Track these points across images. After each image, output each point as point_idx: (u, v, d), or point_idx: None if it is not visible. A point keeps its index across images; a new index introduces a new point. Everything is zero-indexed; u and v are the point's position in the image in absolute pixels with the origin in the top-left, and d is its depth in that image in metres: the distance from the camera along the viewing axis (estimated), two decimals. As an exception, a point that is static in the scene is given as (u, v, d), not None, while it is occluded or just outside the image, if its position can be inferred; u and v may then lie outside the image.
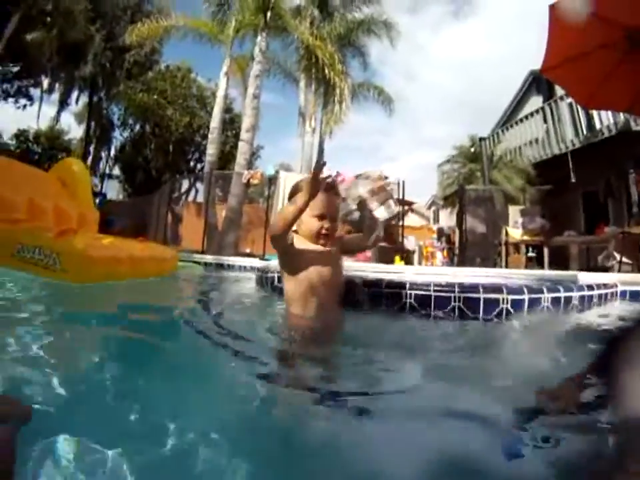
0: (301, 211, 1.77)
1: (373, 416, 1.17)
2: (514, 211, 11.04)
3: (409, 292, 2.31)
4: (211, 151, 12.96)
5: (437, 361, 1.74)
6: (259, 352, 1.67)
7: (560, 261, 9.41)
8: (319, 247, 1.95)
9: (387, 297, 2.35)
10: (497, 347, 2.01)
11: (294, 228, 1.92)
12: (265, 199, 12.72)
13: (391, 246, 13.01)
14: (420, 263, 13.83)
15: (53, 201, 4.37)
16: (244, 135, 12.20)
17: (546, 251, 9.47)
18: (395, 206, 1.95)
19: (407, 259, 12.21)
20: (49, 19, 16.78)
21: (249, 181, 11.42)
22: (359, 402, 1.23)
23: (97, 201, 16.84)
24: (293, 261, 1.93)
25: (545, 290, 2.41)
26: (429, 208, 25.98)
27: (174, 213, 16.36)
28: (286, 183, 10.13)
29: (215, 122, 13.05)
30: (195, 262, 8.09)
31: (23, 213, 3.91)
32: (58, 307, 2.68)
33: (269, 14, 12.11)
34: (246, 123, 12.25)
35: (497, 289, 2.34)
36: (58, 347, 1.68)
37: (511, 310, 2.29)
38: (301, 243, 1.95)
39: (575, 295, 2.54)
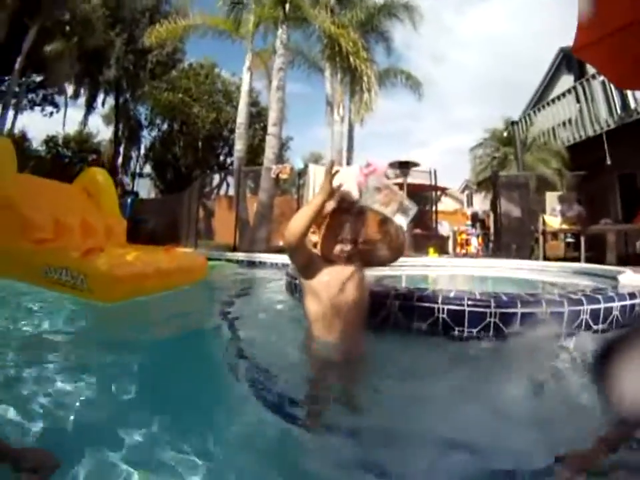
0: (316, 212, 1.66)
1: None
2: (551, 198, 10.55)
3: (441, 307, 2.15)
4: (239, 146, 12.92)
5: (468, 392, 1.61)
6: (275, 381, 1.63)
7: (597, 247, 9.00)
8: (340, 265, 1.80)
9: (418, 312, 2.21)
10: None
11: (314, 239, 1.80)
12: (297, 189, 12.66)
13: (424, 233, 12.77)
14: (454, 250, 13.53)
15: (79, 215, 4.40)
16: (271, 128, 12.11)
17: (582, 239, 9.03)
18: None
19: (441, 245, 11.92)
20: (67, 28, 17.04)
21: (277, 175, 11.38)
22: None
23: (129, 200, 17.25)
24: (313, 275, 1.78)
25: (584, 301, 2.21)
26: (463, 192, 25.35)
27: (206, 208, 16.50)
28: (316, 175, 10.05)
29: (241, 117, 12.99)
30: (228, 260, 8.11)
31: (48, 232, 3.93)
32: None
33: (287, 6, 11.91)
34: (272, 116, 12.14)
35: (535, 301, 2.17)
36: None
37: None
38: (321, 260, 1.80)
39: (616, 305, 2.31)
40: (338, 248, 1.75)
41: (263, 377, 1.66)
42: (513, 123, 13.17)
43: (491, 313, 2.11)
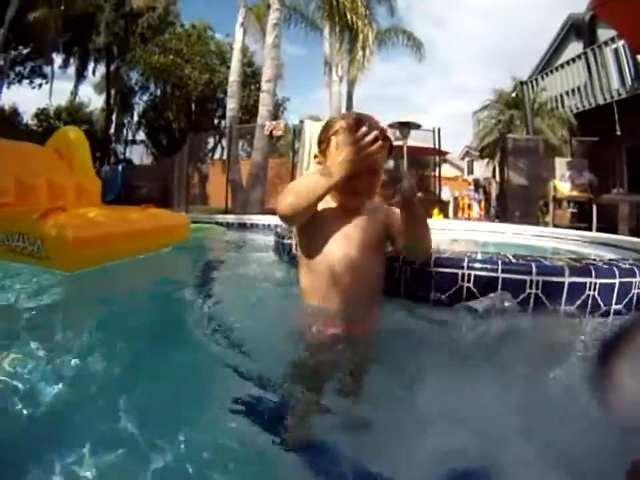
0: (322, 196, 1.31)
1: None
2: (560, 164, 10.17)
3: (467, 273, 1.69)
4: (232, 105, 12.40)
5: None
6: (255, 368, 1.19)
7: (606, 218, 8.63)
8: (349, 216, 1.44)
9: (436, 280, 1.73)
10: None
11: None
12: (285, 153, 12.18)
13: (425, 197, 12.33)
14: (455, 215, 13.12)
15: (46, 176, 3.92)
16: (265, 85, 11.59)
17: (594, 208, 8.64)
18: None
19: (442, 210, 11.54)
20: None
21: (271, 132, 10.84)
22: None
23: (120, 167, 16.76)
24: (308, 237, 1.44)
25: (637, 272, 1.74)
26: (463, 159, 24.75)
27: (200, 172, 16.04)
28: (312, 131, 9.26)
29: (233, 75, 12.46)
30: (218, 223, 7.70)
31: (9, 195, 3.47)
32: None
33: None
34: (266, 73, 11.62)
35: (584, 270, 1.71)
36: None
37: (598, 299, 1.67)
38: (322, 216, 1.43)
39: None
40: (349, 184, 1.33)
41: (240, 360, 1.25)
42: (522, 82, 12.57)
43: (531, 282, 1.65)
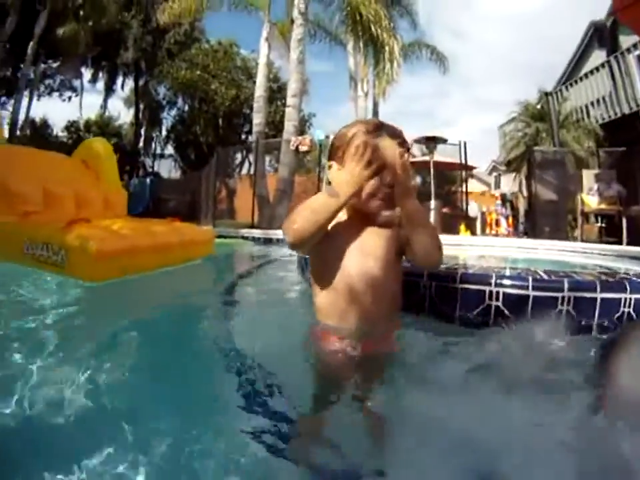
0: (330, 219, 1.23)
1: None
2: (588, 176, 9.87)
3: (495, 290, 1.60)
4: (258, 120, 12.49)
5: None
6: (274, 386, 1.16)
7: (637, 231, 8.31)
8: (362, 226, 1.34)
9: (462, 297, 1.65)
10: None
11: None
12: (312, 168, 12.20)
13: (452, 212, 12.16)
14: (483, 231, 12.88)
15: (72, 186, 4.00)
16: (290, 100, 11.68)
17: (624, 221, 8.34)
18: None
19: (469, 226, 11.33)
20: (80, 11, 16.71)
21: (297, 147, 10.91)
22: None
23: (148, 180, 17.16)
24: (320, 251, 1.33)
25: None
26: (490, 174, 24.40)
27: (227, 187, 16.19)
28: None
29: (259, 90, 12.59)
30: (243, 237, 7.74)
31: (35, 204, 3.54)
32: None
33: None
34: (291, 88, 11.71)
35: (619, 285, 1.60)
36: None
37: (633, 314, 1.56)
38: (337, 229, 1.33)
39: None
40: (372, 183, 1.27)
41: (256, 378, 1.22)
42: (547, 94, 12.34)
43: (563, 299, 1.56)
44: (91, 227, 2.97)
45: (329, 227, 1.28)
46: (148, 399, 1.18)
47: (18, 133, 16.00)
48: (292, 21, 12.11)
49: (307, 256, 2.21)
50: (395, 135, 1.32)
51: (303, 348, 1.40)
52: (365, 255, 1.30)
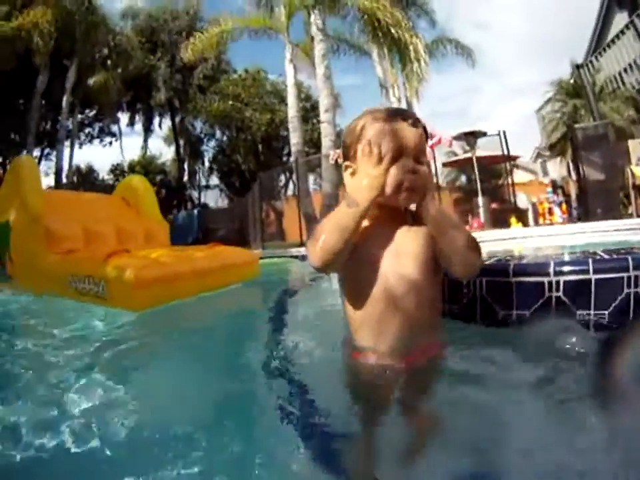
0: (354, 231, 1.09)
1: None
2: (634, 146, 9.23)
3: (554, 280, 1.38)
4: (295, 140, 12.64)
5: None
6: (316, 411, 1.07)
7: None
8: (394, 224, 1.16)
9: (518, 292, 1.43)
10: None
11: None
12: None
13: (501, 206, 11.75)
14: (536, 222, 12.28)
15: (113, 222, 4.15)
16: (323, 115, 11.76)
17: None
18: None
19: (521, 219, 10.86)
20: (107, 61, 17.77)
21: (336, 161, 10.83)
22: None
23: (196, 212, 17.77)
24: (348, 262, 1.15)
25: None
26: (535, 161, 23.44)
27: (275, 209, 16.41)
28: None
29: (292, 111, 12.71)
30: (293, 256, 7.75)
31: (76, 242, 3.71)
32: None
33: None
34: (323, 104, 11.79)
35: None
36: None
37: None
38: (365, 231, 1.18)
39: None
40: (394, 174, 1.11)
41: (299, 404, 1.13)
42: (578, 66, 11.74)
43: (629, 279, 1.33)
44: (129, 256, 3.02)
45: (360, 252, 1.15)
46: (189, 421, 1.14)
47: (64, 180, 16.93)
48: (312, 39, 12.22)
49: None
50: (407, 116, 1.17)
51: (343, 370, 1.27)
52: (399, 256, 1.12)
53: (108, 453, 1.01)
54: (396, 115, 1.17)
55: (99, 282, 2.83)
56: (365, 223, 1.16)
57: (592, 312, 1.36)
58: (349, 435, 1.02)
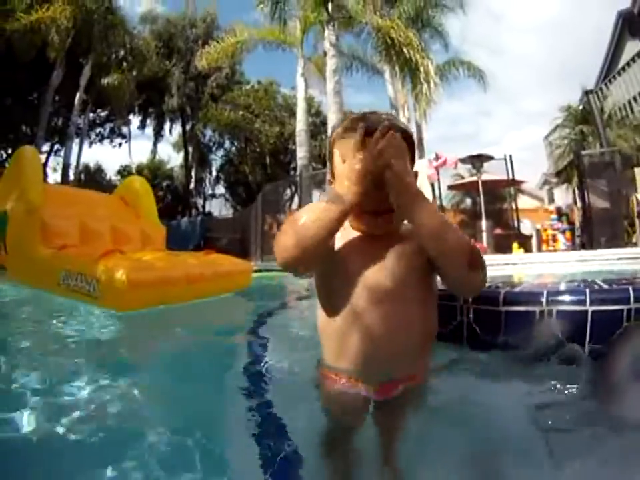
0: (333, 230, 0.94)
1: None
2: None
3: (547, 309, 1.31)
4: (301, 154, 12.73)
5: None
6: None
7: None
8: (378, 239, 1.02)
9: (507, 322, 1.36)
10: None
11: None
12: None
13: (505, 232, 11.69)
14: (539, 249, 12.21)
15: (111, 222, 4.13)
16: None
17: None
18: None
19: (525, 245, 10.78)
20: (124, 63, 18.02)
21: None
22: None
23: (199, 219, 17.83)
24: (324, 267, 1.04)
25: None
26: (542, 188, 23.42)
27: (278, 222, 16.40)
28: None
29: (300, 124, 12.85)
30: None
31: (71, 238, 3.68)
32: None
33: (330, 6, 11.67)
34: (331, 119, 11.88)
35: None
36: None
37: None
38: (342, 237, 1.05)
39: None
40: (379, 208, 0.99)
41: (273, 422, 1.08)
42: (587, 92, 11.76)
43: (629, 312, 1.26)
44: (123, 258, 2.99)
45: (342, 234, 1.03)
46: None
47: (72, 177, 17.02)
48: (325, 54, 12.33)
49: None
50: (372, 126, 0.96)
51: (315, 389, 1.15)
52: (377, 270, 0.99)
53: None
54: (356, 128, 0.98)
55: (91, 281, 2.80)
56: (345, 231, 1.04)
57: (586, 344, 1.29)
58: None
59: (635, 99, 12.13)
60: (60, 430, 1.08)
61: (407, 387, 1.03)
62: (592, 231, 9.69)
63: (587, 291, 1.32)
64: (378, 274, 0.99)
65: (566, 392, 1.20)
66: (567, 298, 1.32)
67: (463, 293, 1.18)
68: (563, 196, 15.64)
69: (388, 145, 0.91)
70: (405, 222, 1.02)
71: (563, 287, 1.46)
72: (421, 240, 0.96)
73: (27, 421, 1.12)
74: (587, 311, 1.29)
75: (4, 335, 2.27)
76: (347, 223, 1.02)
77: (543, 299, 1.33)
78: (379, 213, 0.99)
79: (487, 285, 1.57)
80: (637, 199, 8.43)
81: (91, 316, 2.77)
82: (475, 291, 1.09)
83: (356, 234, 1.05)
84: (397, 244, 1.02)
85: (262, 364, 1.51)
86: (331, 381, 1.05)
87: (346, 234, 1.05)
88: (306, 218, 0.94)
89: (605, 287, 1.40)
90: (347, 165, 0.97)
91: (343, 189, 0.94)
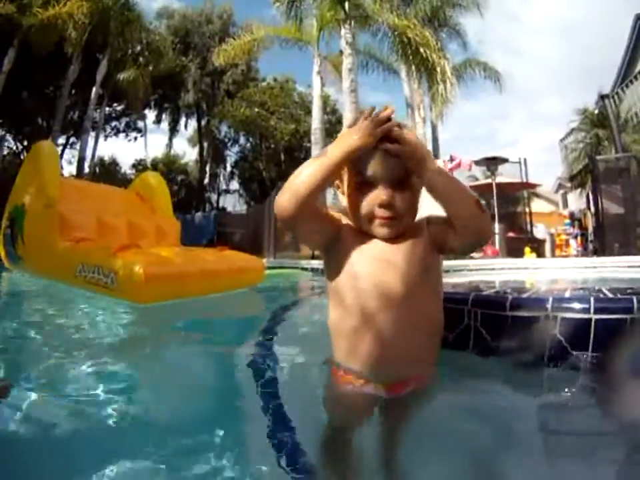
0: (329, 171, 0.99)
1: None
2: None
3: (552, 315, 1.33)
4: (316, 152, 12.60)
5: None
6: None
7: None
8: (381, 243, 1.05)
9: (514, 328, 1.38)
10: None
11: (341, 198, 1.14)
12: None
13: (518, 236, 11.61)
14: (553, 254, 12.11)
15: (127, 216, 4.23)
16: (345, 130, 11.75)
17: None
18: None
19: (538, 249, 10.69)
20: (139, 57, 18.23)
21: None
22: None
23: (212, 214, 17.95)
24: (334, 259, 1.09)
25: None
26: (556, 192, 23.19)
27: None
28: None
29: (315, 122, 12.75)
30: (303, 268, 7.74)
31: (89, 231, 3.79)
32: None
33: (347, 4, 11.58)
34: (347, 118, 11.84)
35: None
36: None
37: None
38: (352, 235, 1.08)
39: None
40: (368, 201, 1.03)
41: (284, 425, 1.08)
42: (602, 97, 11.58)
43: (632, 321, 1.27)
44: (140, 252, 3.09)
45: (346, 233, 1.08)
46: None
47: (87, 170, 17.24)
48: (341, 53, 12.32)
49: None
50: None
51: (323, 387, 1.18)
52: (380, 262, 1.03)
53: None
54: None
55: (109, 273, 2.90)
56: (352, 227, 1.09)
57: (589, 354, 1.31)
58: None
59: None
60: (64, 426, 1.12)
61: (416, 386, 1.07)
62: (604, 237, 9.58)
63: (592, 299, 1.33)
64: (388, 275, 1.02)
65: (569, 396, 1.24)
66: (571, 305, 1.34)
67: (480, 238, 1.10)
68: (577, 200, 15.49)
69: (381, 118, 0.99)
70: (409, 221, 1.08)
71: (568, 294, 1.48)
72: (439, 199, 1.02)
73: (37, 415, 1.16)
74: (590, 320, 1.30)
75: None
76: (359, 228, 1.08)
77: (549, 305, 1.35)
78: (389, 219, 1.03)
79: (495, 290, 1.61)
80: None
81: (100, 309, 2.89)
82: (490, 232, 1.13)
83: (367, 237, 1.07)
84: (406, 246, 1.05)
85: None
86: (340, 379, 1.08)
87: (358, 237, 1.07)
88: (296, 172, 0.99)
89: (610, 295, 1.42)
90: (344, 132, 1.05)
91: (332, 148, 1.01)
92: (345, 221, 1.11)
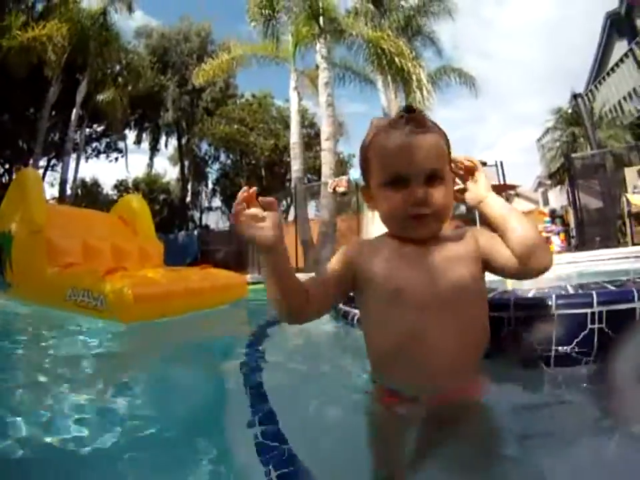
0: (275, 278, 0.94)
1: None
2: (630, 173, 9.21)
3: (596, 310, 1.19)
4: (296, 166, 12.71)
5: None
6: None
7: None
8: (423, 247, 0.99)
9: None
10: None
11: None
12: (352, 209, 12.25)
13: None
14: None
15: (110, 240, 4.32)
16: (324, 144, 11.93)
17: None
18: None
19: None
20: (119, 79, 18.14)
21: (334, 189, 11.07)
22: None
23: (196, 232, 17.89)
24: (369, 281, 1.00)
25: None
26: (536, 190, 23.58)
27: None
28: None
29: (294, 137, 12.85)
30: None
31: (75, 256, 3.87)
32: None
33: (321, 20, 11.80)
34: (325, 132, 11.96)
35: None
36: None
37: None
38: (381, 250, 1.02)
39: None
40: (396, 200, 0.96)
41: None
42: (575, 96, 11.88)
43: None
44: (127, 274, 3.19)
45: (377, 248, 1.02)
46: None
47: (69, 192, 17.11)
48: (317, 67, 12.48)
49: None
50: (418, 122, 0.97)
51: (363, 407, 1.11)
52: (426, 272, 0.96)
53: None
54: (399, 124, 0.97)
55: (98, 296, 3.01)
56: (392, 244, 1.02)
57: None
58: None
59: (625, 98, 12.23)
60: (61, 441, 1.12)
61: (460, 399, 1.00)
62: (585, 232, 9.79)
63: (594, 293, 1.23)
64: (426, 270, 0.96)
65: (564, 395, 1.21)
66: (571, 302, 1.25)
67: (537, 271, 0.98)
68: (558, 197, 15.78)
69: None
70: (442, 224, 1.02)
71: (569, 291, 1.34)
72: (500, 228, 1.00)
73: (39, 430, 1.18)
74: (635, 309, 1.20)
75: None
76: (394, 235, 1.04)
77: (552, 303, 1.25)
78: (425, 216, 0.96)
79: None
80: (627, 199, 8.51)
81: (89, 331, 2.91)
82: (549, 266, 0.98)
83: (397, 241, 1.02)
84: (445, 248, 0.99)
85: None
86: (382, 398, 1.04)
87: (390, 249, 1.02)
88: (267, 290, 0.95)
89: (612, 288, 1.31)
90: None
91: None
92: (357, 243, 1.08)
